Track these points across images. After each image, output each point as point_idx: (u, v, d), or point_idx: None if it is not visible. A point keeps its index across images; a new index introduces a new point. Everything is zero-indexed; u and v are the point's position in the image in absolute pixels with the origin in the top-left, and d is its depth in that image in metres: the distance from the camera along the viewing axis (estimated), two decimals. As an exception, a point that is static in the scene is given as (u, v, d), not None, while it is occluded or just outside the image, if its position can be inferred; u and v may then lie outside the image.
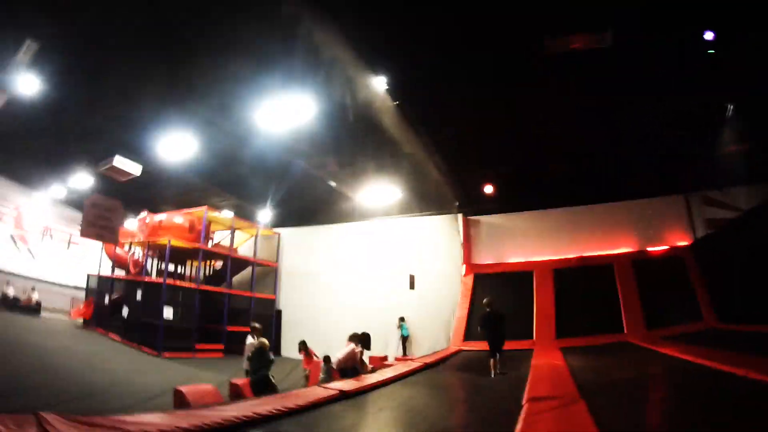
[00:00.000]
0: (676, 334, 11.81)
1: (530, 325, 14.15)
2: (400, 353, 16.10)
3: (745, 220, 13.35)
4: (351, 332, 13.16)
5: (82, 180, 19.00)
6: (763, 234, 11.73)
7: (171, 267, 20.83)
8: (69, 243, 24.96)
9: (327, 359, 10.77)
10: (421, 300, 17.01)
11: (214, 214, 19.89)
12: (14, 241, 23.46)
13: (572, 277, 15.16)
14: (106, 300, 20.69)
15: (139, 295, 18.42)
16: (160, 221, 18.78)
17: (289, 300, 20.77)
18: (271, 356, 8.95)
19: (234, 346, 17.07)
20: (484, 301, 10.50)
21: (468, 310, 15.34)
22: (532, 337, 13.77)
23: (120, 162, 14.95)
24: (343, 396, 6.59)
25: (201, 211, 18.88)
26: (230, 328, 18.18)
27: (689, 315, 13.12)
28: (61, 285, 23.79)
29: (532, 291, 15.09)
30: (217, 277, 21.44)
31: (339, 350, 10.04)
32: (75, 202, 22.46)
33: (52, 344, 14.14)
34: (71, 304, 23.16)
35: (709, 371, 6.85)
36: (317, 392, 6.65)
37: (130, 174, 15.40)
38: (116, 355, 15.66)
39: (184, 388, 6.90)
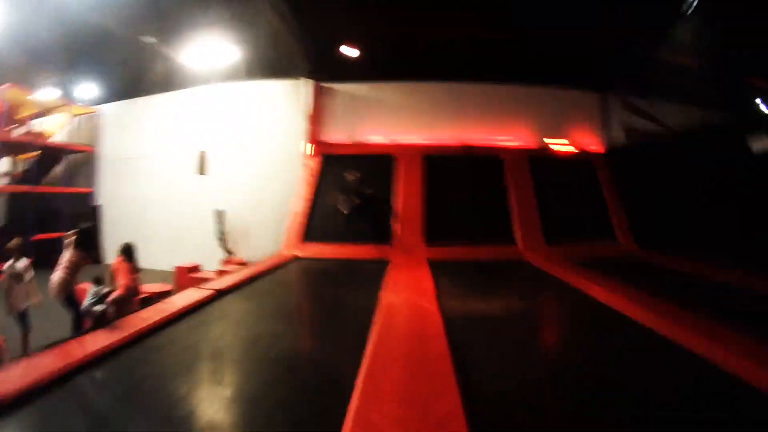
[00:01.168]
0: (588, 258, 9.52)
1: (389, 226, 11.22)
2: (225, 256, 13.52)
3: (674, 137, 11.10)
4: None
5: None
6: (692, 158, 9.86)
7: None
8: None
9: (98, 280, 7.29)
10: (257, 187, 14.24)
11: (20, 95, 15.61)
12: None
13: (449, 169, 12.07)
14: None
15: None
16: None
17: (114, 192, 17.23)
18: None
19: (47, 256, 14.51)
20: (350, 178, 8.85)
21: (311, 201, 11.89)
22: (389, 242, 10.89)
23: None
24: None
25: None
26: (41, 236, 14.95)
27: (601, 234, 11.06)
28: None
29: (392, 180, 12.02)
30: (38, 173, 17.66)
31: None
32: None
33: None
34: None
35: (636, 329, 5.01)
36: None
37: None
38: None
39: None
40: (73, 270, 6.61)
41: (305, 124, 13.32)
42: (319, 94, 13.48)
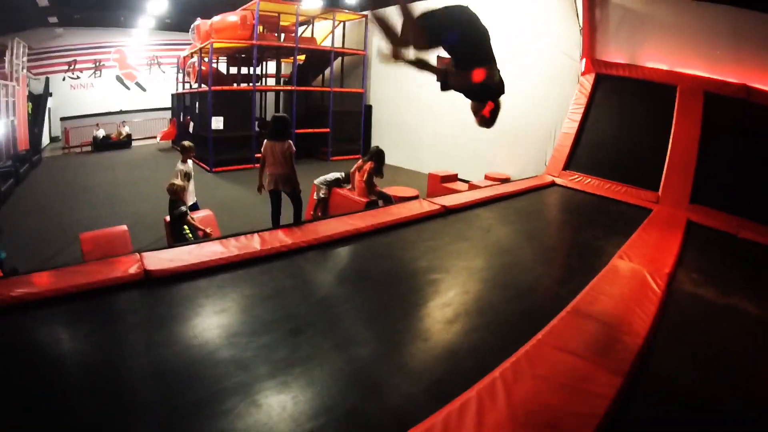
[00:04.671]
0: None
1: (659, 170, 10.26)
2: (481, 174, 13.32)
3: None
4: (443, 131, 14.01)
5: (157, 5, 21.90)
6: None
7: (238, 70, 21.99)
8: (158, 65, 29.68)
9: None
10: (519, 104, 13.58)
11: (284, 6, 18.37)
12: (122, 81, 28.90)
13: (730, 111, 10.19)
14: (181, 118, 22.39)
15: (197, 108, 19.17)
16: (211, 24, 17.53)
17: (380, 93, 19.34)
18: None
19: (313, 147, 18.94)
20: None
21: (580, 122, 11.69)
22: (657, 189, 10.07)
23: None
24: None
25: (254, 5, 17.00)
26: (306, 131, 18.41)
27: None
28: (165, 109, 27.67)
29: (671, 116, 10.62)
30: (305, 74, 21.05)
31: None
32: (166, 26, 27.86)
33: (109, 175, 16.67)
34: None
35: None
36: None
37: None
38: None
39: (86, 235, 6.97)
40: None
41: (579, 38, 12.64)
42: (593, 5, 12.49)
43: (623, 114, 11.45)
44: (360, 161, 9.54)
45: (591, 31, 12.48)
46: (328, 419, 2.92)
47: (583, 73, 12.42)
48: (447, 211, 7.79)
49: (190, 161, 8.82)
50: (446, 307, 4.58)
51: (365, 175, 9.08)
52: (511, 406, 2.96)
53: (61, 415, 2.84)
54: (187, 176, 8.48)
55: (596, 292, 4.83)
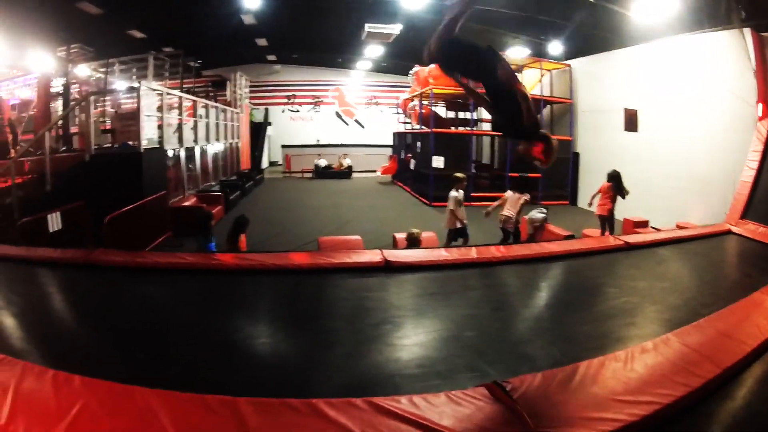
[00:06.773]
0: None
1: None
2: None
3: None
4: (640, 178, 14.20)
5: (373, 50, 25.18)
6: None
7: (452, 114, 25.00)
8: (376, 105, 33.87)
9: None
10: (702, 151, 13.92)
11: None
12: (341, 117, 33.80)
13: None
14: (402, 155, 25.06)
15: (418, 147, 21.56)
16: (429, 71, 19.76)
17: (586, 141, 20.02)
18: None
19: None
20: None
21: (758, 169, 11.42)
22: None
23: (372, 28, 18.52)
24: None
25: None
26: (517, 174, 18.66)
27: None
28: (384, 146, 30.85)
29: None
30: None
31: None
32: (382, 68, 31.70)
33: (332, 198, 19.86)
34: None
35: None
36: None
37: (390, 34, 19.07)
38: (392, 205, 19.47)
39: (323, 239, 8.85)
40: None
41: (753, 81, 12.32)
42: (763, 45, 12.31)
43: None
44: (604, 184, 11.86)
45: (764, 74, 12.31)
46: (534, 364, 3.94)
47: (760, 119, 12.10)
48: (628, 246, 8.68)
49: (461, 190, 10.30)
50: (612, 310, 5.53)
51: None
52: (617, 376, 3.44)
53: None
54: (458, 202, 10.13)
55: (727, 312, 5.03)
